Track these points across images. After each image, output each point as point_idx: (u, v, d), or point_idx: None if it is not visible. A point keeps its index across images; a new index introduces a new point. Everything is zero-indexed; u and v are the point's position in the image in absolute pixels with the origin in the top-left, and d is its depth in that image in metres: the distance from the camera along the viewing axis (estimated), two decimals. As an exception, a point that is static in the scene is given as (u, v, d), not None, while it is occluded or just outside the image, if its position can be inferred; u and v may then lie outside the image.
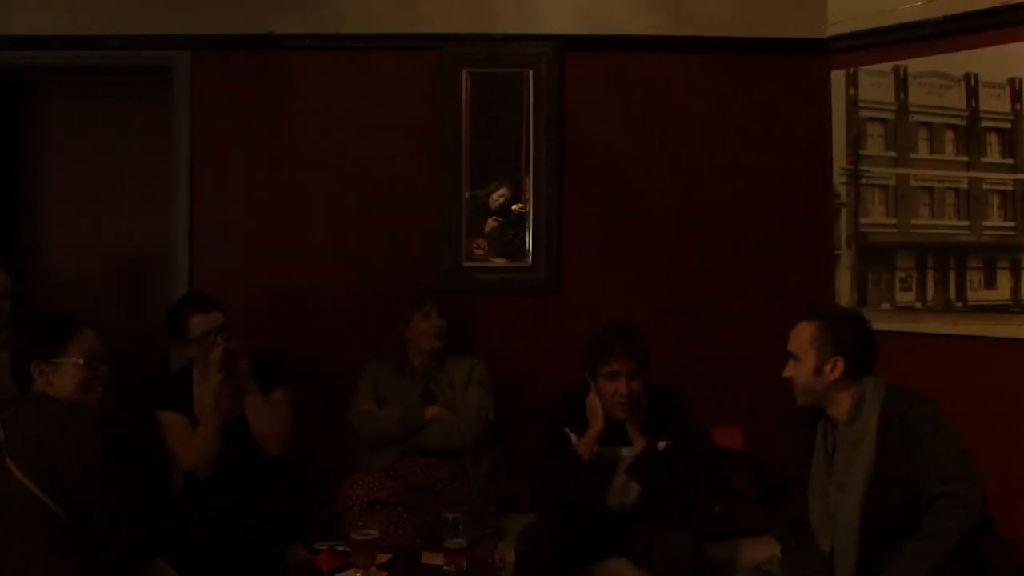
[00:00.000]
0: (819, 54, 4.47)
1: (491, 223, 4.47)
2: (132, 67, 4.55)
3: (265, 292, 4.45)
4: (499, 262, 4.50)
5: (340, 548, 3.33)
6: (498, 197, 4.46)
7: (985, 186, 4.03)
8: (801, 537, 3.18)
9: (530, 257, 4.48)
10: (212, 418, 3.73)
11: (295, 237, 4.52)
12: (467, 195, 4.47)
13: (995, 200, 4.01)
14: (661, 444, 3.56)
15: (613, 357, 3.48)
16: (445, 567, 3.22)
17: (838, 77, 4.43)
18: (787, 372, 3.18)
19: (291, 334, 4.44)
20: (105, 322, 4.52)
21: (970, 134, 4.05)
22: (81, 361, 2.90)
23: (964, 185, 4.08)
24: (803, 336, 3.15)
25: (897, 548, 2.90)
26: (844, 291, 4.44)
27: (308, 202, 4.52)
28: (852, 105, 4.40)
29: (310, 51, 4.49)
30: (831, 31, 4.44)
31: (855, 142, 4.38)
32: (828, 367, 3.09)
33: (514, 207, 4.48)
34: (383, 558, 3.34)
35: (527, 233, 4.48)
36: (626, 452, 3.57)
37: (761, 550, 3.66)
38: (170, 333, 3.89)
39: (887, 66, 4.27)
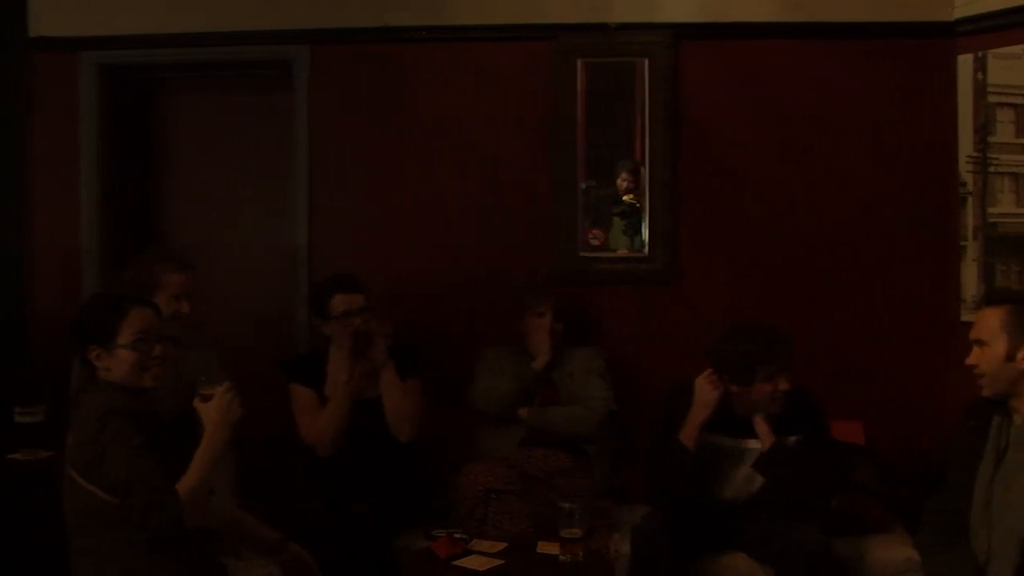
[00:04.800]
0: (944, 37, 4.33)
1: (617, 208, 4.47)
2: (252, 62, 4.68)
3: (382, 282, 4.48)
4: (617, 252, 4.48)
5: (458, 536, 3.35)
6: (622, 182, 4.44)
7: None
8: (951, 533, 3.05)
9: (647, 247, 4.44)
10: (342, 395, 3.83)
11: (412, 228, 4.57)
12: (582, 185, 4.45)
13: None
14: (791, 439, 3.50)
15: (773, 359, 3.44)
16: (561, 556, 3.21)
17: (965, 61, 4.29)
18: (972, 359, 3.06)
19: (408, 324, 4.47)
20: (228, 311, 4.72)
21: (1107, 118, 3.90)
22: (133, 344, 2.86)
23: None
24: (992, 321, 3.03)
25: None
26: (970, 283, 4.29)
27: (424, 193, 4.56)
28: (980, 90, 4.24)
29: (425, 43, 4.53)
30: (957, 13, 4.30)
31: (983, 128, 4.23)
32: (1021, 354, 2.98)
33: (625, 198, 4.45)
34: (499, 546, 3.35)
35: (643, 223, 4.44)
36: (753, 444, 3.52)
37: (889, 548, 3.59)
38: (312, 310, 4.02)
39: (1019, 48, 4.12)
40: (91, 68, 4.67)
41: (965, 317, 4.25)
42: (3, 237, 4.72)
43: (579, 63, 4.44)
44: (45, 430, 3.74)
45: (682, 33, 4.43)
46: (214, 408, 2.83)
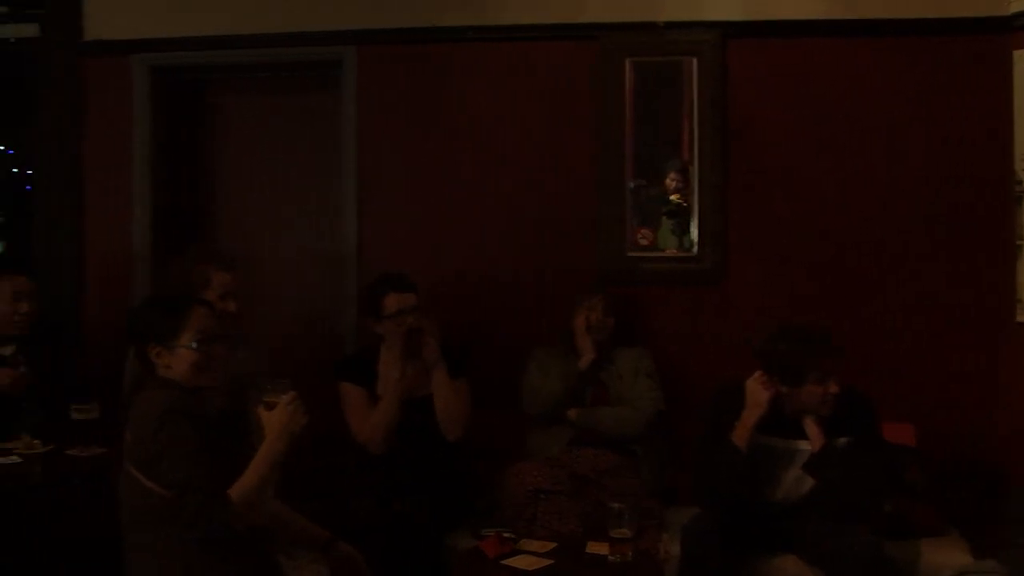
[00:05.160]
0: (1000, 32, 4.27)
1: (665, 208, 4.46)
2: (300, 63, 4.73)
3: (429, 282, 4.49)
4: (665, 252, 4.46)
5: (506, 535, 3.35)
6: (671, 181, 4.42)
7: None
8: None
9: (695, 246, 4.42)
10: (393, 394, 3.85)
11: (459, 228, 4.59)
12: (630, 185, 4.44)
13: None
14: (841, 441, 3.47)
15: (824, 361, 3.42)
16: (610, 557, 3.20)
17: (1021, 57, 4.22)
18: None
19: (455, 324, 4.48)
20: (277, 312, 4.76)
21: None
22: (195, 344, 2.89)
23: None
24: None
25: None
26: (1026, 282, 4.23)
27: (472, 193, 4.58)
28: (1037, 86, 4.18)
29: (471, 43, 4.55)
30: (1014, 7, 4.24)
31: (1040, 125, 4.17)
32: None
33: (672, 197, 4.43)
34: (548, 546, 3.34)
35: (692, 222, 4.42)
36: (803, 445, 3.49)
37: (943, 552, 3.54)
38: (365, 309, 4.04)
39: (1078, 43, 4.06)
40: (143, 70, 4.74)
41: (1020, 317, 4.19)
42: (60, 240, 4.79)
43: (627, 62, 4.43)
44: (99, 427, 3.80)
45: (730, 31, 4.41)
46: (277, 417, 2.86)
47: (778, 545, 3.56)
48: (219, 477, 2.73)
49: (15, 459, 3.66)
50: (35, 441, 3.77)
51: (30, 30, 4.80)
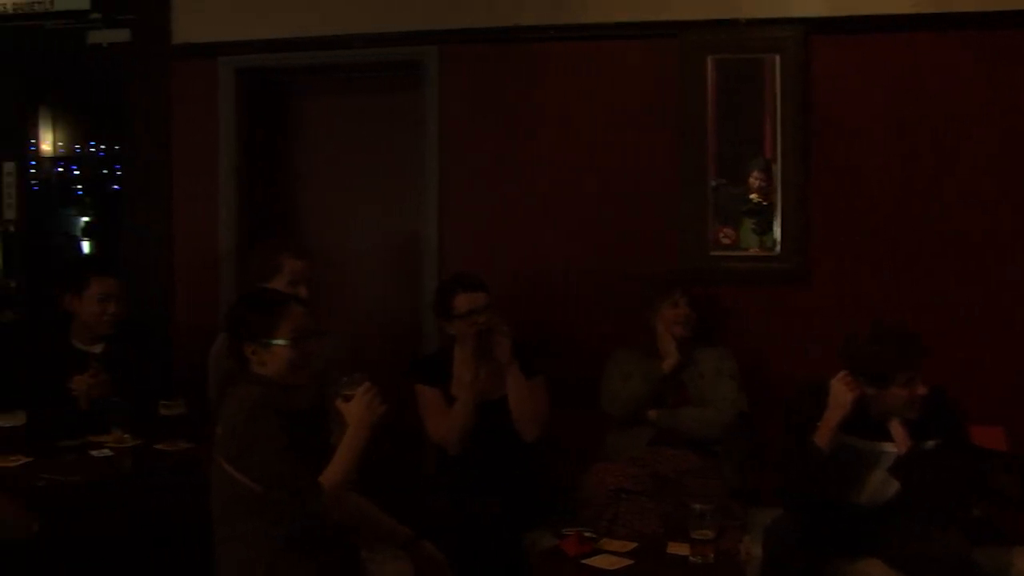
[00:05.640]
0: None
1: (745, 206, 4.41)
2: (383, 63, 4.78)
3: (510, 280, 4.54)
4: (749, 251, 4.41)
5: (587, 534, 3.35)
6: (754, 180, 4.38)
7: None
8: None
9: (778, 245, 4.37)
10: (466, 395, 3.87)
11: (540, 226, 4.59)
12: (712, 183, 4.41)
13: None
14: (929, 444, 3.41)
15: (911, 363, 3.36)
16: (691, 558, 3.18)
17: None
18: None
19: (536, 322, 4.50)
20: (359, 310, 4.82)
21: None
22: (290, 342, 2.94)
23: None
24: None
25: None
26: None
27: (552, 191, 4.58)
28: None
29: (553, 42, 4.54)
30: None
31: None
32: None
33: (751, 196, 4.38)
34: (628, 546, 3.34)
35: (775, 221, 4.37)
36: (889, 448, 3.44)
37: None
38: (436, 310, 4.06)
39: None
40: (228, 72, 4.83)
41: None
42: (148, 241, 4.91)
43: (709, 60, 4.39)
44: (186, 423, 3.89)
45: (814, 27, 4.34)
46: (356, 408, 2.90)
47: (862, 548, 3.50)
48: (306, 472, 2.77)
49: (107, 452, 3.78)
50: (125, 436, 3.88)
51: (121, 35, 4.93)
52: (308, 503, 2.73)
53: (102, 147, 6.98)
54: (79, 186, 7.14)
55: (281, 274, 3.92)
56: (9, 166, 5.21)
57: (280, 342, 2.93)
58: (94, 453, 3.76)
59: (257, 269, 4.01)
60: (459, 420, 3.88)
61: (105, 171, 6.93)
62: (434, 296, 4.09)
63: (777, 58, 4.35)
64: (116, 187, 6.53)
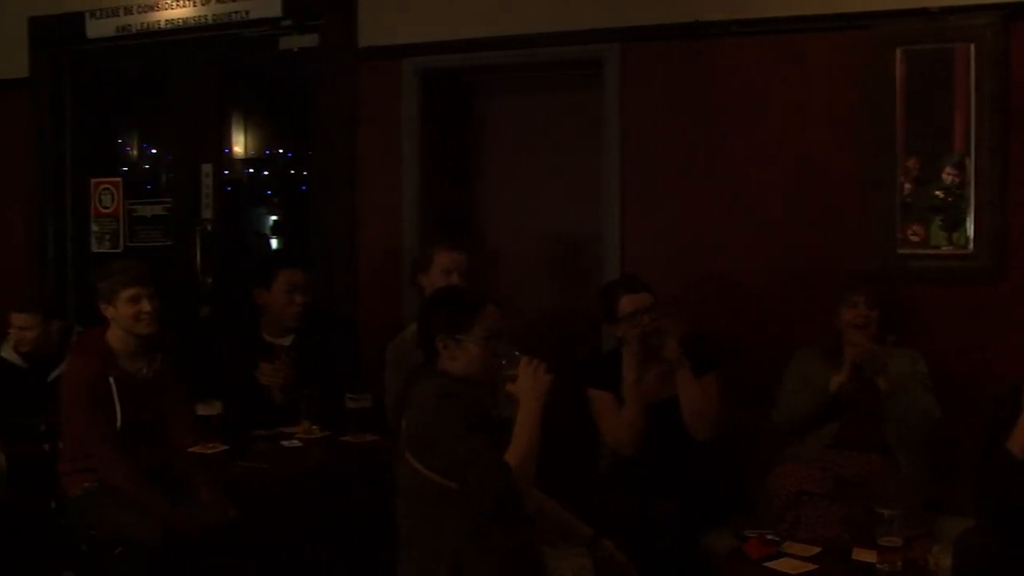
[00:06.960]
0: None
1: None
2: (563, 62, 4.80)
3: (693, 277, 4.50)
4: (940, 249, 4.23)
5: (770, 537, 3.30)
6: (947, 176, 4.21)
7: None
8: None
9: (971, 244, 4.19)
10: (633, 397, 3.87)
11: (723, 223, 4.51)
12: (900, 179, 4.25)
13: None
14: None
15: None
16: (878, 565, 3.09)
17: None
18: None
19: (719, 318, 4.46)
20: (540, 306, 4.88)
21: None
22: (483, 340, 2.98)
23: None
24: None
25: None
26: None
27: (735, 189, 4.50)
28: None
29: (735, 37, 4.46)
30: None
31: None
32: None
33: (936, 193, 4.21)
34: (812, 550, 3.27)
35: (968, 218, 4.19)
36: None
37: None
38: (602, 313, 4.06)
39: None
40: (411, 73, 4.93)
41: None
42: (335, 239, 5.08)
43: (898, 51, 4.23)
44: (372, 415, 4.01)
45: (1013, 13, 4.11)
46: (523, 384, 2.95)
47: (1065, 563, 3.33)
48: (494, 451, 2.82)
49: (296, 443, 3.94)
50: (314, 427, 4.04)
51: (310, 40, 5.12)
52: (502, 481, 2.76)
53: (289, 150, 7.23)
54: (268, 187, 7.42)
55: (433, 265, 4.08)
56: (207, 168, 5.48)
57: (473, 339, 2.97)
58: (284, 443, 3.92)
59: (416, 262, 4.24)
60: (627, 422, 3.88)
61: (292, 172, 7.18)
62: (599, 299, 4.09)
63: (972, 47, 4.15)
64: (303, 187, 6.76)
